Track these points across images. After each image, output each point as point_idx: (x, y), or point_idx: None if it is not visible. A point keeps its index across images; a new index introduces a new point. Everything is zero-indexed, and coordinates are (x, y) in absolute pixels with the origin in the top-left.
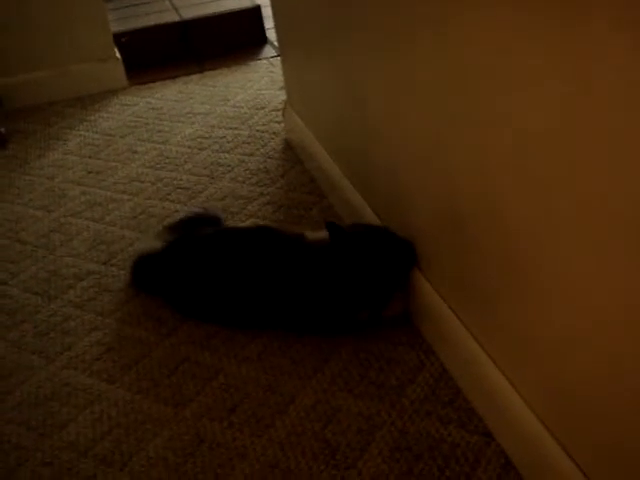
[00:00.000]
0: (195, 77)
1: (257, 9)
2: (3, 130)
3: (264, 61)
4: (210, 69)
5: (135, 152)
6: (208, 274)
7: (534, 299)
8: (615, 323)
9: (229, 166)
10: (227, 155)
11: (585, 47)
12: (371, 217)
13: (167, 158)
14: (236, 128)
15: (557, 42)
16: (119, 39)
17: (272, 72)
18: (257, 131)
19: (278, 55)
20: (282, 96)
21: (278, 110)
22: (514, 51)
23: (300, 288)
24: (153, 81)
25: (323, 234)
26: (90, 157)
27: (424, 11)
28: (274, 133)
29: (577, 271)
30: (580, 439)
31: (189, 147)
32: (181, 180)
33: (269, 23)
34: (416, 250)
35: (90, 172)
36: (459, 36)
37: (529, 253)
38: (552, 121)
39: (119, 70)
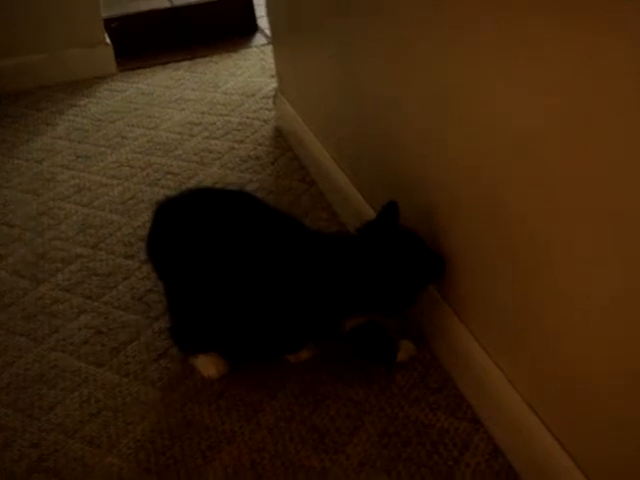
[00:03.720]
0: (185, 64)
1: None
2: None
3: (255, 49)
4: (200, 56)
5: (125, 137)
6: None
7: (531, 291)
8: (610, 313)
9: (219, 153)
10: (217, 142)
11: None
12: (361, 204)
13: (157, 144)
14: (226, 115)
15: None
16: (109, 24)
17: (263, 60)
18: (247, 118)
19: (269, 43)
20: (273, 84)
21: (269, 98)
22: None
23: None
24: (143, 67)
25: None
26: (79, 142)
27: None
28: (264, 120)
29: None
30: (569, 425)
31: (179, 133)
32: (171, 166)
33: (260, 11)
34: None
35: (79, 157)
36: (461, 22)
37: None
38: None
39: (109, 55)
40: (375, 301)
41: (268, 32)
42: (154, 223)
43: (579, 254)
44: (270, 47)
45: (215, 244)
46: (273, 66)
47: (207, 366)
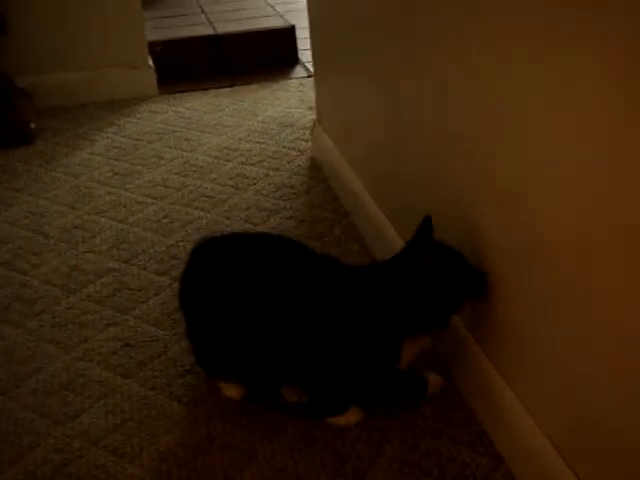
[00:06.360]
0: (225, 91)
1: (291, 29)
2: (33, 126)
3: (294, 81)
4: (241, 84)
5: (161, 158)
6: None
7: (562, 332)
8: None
9: (254, 179)
10: (253, 168)
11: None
12: (394, 238)
13: (193, 166)
14: (263, 143)
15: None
16: (154, 48)
17: (302, 92)
18: (284, 147)
19: (309, 76)
20: (311, 115)
21: (306, 129)
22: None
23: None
24: (184, 91)
25: None
26: (117, 159)
27: (469, 27)
28: (300, 151)
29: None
30: (593, 464)
31: (215, 157)
32: (206, 188)
33: (302, 44)
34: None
35: (116, 174)
36: (503, 55)
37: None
38: None
39: (151, 78)
40: (424, 315)
41: (308, 65)
42: (188, 265)
43: (616, 301)
44: (309, 80)
45: (249, 285)
46: (311, 98)
47: (229, 388)
